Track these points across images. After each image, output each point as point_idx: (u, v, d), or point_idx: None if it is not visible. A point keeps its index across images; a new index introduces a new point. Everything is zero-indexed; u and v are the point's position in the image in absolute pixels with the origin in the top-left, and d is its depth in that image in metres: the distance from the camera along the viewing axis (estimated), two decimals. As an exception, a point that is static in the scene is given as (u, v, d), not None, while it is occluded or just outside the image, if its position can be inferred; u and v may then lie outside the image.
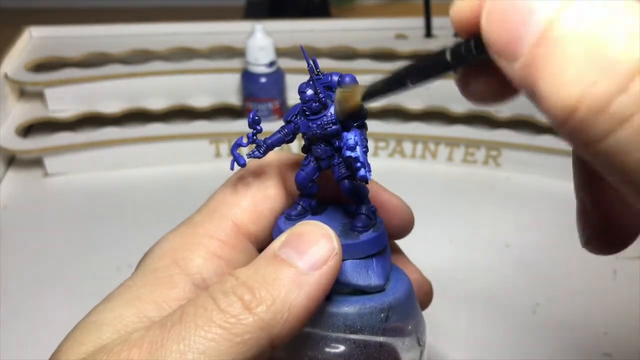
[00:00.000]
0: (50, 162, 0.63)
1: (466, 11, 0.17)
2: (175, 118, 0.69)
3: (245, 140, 0.24)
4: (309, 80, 0.23)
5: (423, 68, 0.20)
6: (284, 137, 0.24)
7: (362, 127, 0.24)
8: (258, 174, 0.26)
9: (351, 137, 0.22)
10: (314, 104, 0.23)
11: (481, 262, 0.53)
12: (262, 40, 0.64)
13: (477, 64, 0.18)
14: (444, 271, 0.52)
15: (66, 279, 0.51)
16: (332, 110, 0.23)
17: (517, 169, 0.64)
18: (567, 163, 0.71)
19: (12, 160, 0.66)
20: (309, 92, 0.23)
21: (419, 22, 0.79)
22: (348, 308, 0.23)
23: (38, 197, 0.62)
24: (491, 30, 0.16)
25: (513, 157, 0.64)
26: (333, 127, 0.23)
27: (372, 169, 0.22)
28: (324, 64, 0.71)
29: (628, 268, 0.52)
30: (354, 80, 0.23)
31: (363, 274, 0.24)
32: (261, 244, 0.26)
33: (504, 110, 0.68)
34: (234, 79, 0.69)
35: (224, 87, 0.70)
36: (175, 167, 0.65)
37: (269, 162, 0.26)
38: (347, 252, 0.23)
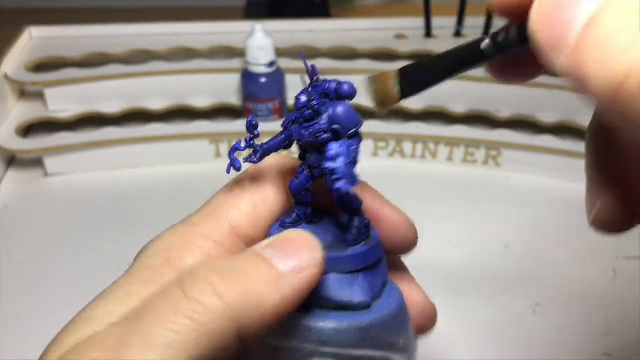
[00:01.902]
0: (50, 162, 0.63)
1: None
2: (175, 118, 0.69)
3: (243, 145, 0.24)
4: (307, 87, 0.23)
5: (460, 59, 0.20)
6: (281, 143, 0.24)
7: (355, 136, 0.23)
8: (260, 177, 0.25)
9: (334, 147, 0.22)
10: (306, 111, 0.23)
11: (481, 262, 0.53)
12: (262, 40, 0.64)
13: (514, 51, 0.19)
14: (444, 271, 0.52)
15: (66, 279, 0.51)
16: (324, 118, 0.23)
17: (517, 169, 0.64)
18: (567, 163, 0.71)
19: (12, 160, 0.66)
20: (303, 98, 0.23)
21: (419, 22, 0.79)
22: (325, 323, 0.22)
23: (38, 197, 0.62)
24: (539, 30, 0.17)
25: (513, 157, 0.64)
26: (323, 135, 0.23)
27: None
28: (324, 64, 0.71)
29: (628, 268, 0.52)
30: (352, 88, 0.23)
31: (346, 290, 0.23)
32: None
33: (504, 110, 0.68)
34: (234, 79, 0.69)
35: (224, 87, 0.70)
36: (175, 167, 0.65)
37: (272, 166, 0.26)
38: (332, 265, 0.22)
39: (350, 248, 0.23)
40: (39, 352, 0.21)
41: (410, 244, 0.27)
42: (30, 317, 0.48)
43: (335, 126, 0.22)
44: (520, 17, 0.19)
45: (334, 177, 0.21)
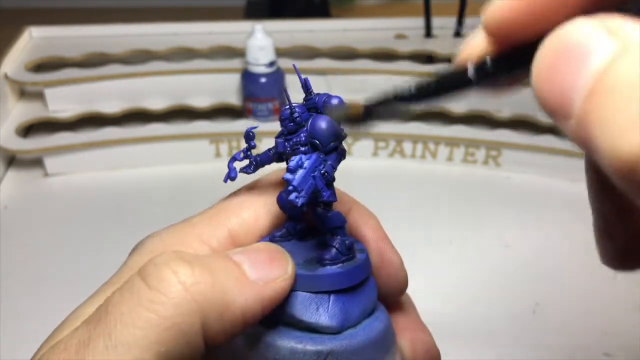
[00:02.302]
0: (50, 162, 0.63)
1: (502, 13, 0.16)
2: (175, 118, 0.69)
3: (241, 155, 0.24)
4: (303, 100, 0.23)
5: (443, 84, 0.18)
6: (272, 156, 0.24)
7: (333, 151, 0.22)
8: (268, 188, 0.25)
9: (296, 159, 0.21)
10: (289, 124, 0.23)
11: (481, 262, 0.53)
12: (262, 40, 0.64)
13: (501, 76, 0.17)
14: (444, 271, 0.52)
15: (66, 279, 0.51)
16: (305, 130, 0.22)
17: (517, 169, 0.64)
18: (567, 163, 0.71)
19: (12, 160, 0.66)
20: (286, 111, 0.23)
21: (419, 22, 0.79)
22: (282, 342, 0.21)
23: (38, 197, 0.62)
24: (542, 89, 0.15)
25: (513, 157, 0.64)
26: (301, 148, 0.22)
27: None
28: (324, 64, 0.71)
29: (628, 268, 0.52)
30: (342, 102, 0.22)
31: (311, 310, 0.22)
32: None
33: (504, 110, 0.68)
34: (234, 79, 0.69)
35: (224, 87, 0.70)
36: (175, 167, 0.65)
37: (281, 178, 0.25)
38: (301, 283, 0.22)
39: (321, 268, 0.22)
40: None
41: (398, 289, 0.26)
42: (30, 317, 0.48)
43: (315, 140, 0.22)
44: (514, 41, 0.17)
45: (287, 189, 0.21)
